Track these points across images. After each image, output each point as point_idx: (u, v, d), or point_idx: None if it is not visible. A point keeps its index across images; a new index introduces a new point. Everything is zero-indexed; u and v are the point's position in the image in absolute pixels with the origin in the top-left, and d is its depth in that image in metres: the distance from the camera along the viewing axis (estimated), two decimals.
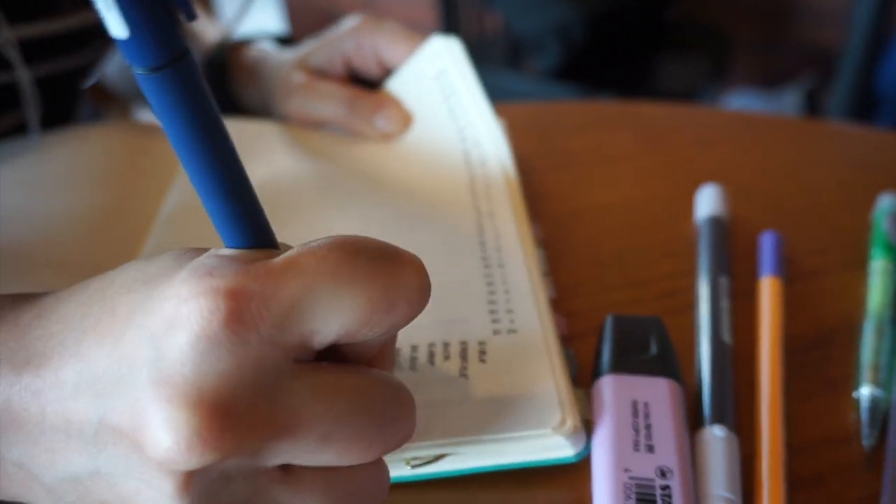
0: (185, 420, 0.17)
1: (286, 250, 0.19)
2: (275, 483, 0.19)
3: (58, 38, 0.47)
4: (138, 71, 0.16)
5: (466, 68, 0.44)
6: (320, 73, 0.48)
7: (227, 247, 0.20)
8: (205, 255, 0.19)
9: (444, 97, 0.44)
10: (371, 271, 0.19)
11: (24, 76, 0.45)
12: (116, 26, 0.15)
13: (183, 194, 0.41)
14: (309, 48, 0.49)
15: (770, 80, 1.95)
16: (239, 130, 0.47)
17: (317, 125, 0.48)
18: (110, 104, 0.70)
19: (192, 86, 0.17)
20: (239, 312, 0.17)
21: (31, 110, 0.46)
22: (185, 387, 0.17)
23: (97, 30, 0.49)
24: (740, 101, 1.88)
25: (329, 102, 0.46)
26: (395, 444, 0.20)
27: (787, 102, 1.82)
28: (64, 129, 0.49)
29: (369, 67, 0.48)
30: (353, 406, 0.19)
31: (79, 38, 0.48)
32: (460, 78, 0.43)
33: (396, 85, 0.46)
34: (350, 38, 0.47)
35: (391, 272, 0.19)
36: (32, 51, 0.45)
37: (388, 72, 0.48)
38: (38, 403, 0.20)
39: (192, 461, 0.17)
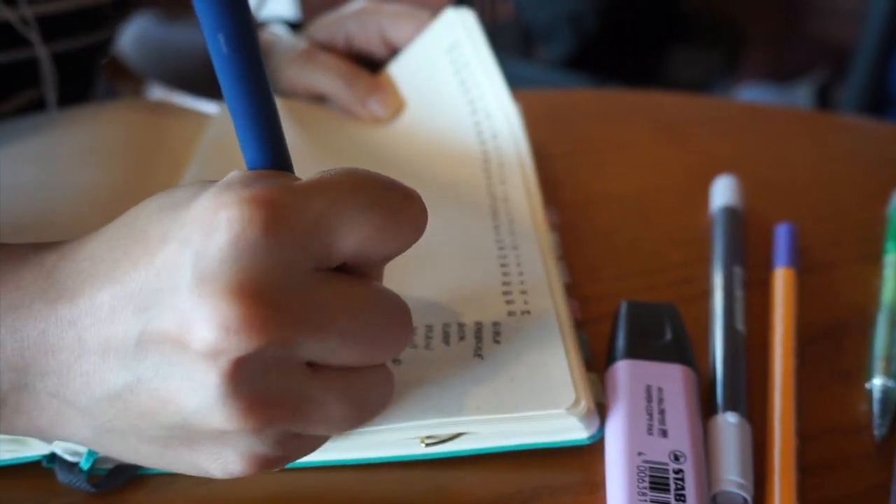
0: (228, 309, 0.19)
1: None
2: (306, 378, 0.21)
3: (75, 15, 0.47)
4: None
5: (480, 40, 0.43)
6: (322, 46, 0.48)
7: (249, 168, 0.22)
8: (231, 174, 0.21)
9: (455, 70, 0.43)
10: (384, 196, 0.21)
11: (42, 53, 0.45)
12: None
13: (203, 163, 0.41)
14: (313, 25, 0.50)
15: (782, 74, 1.94)
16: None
17: (312, 97, 0.47)
18: (125, 81, 0.70)
19: (241, 9, 0.19)
20: (275, 219, 0.19)
21: (49, 87, 0.47)
22: (226, 281, 0.19)
23: (113, 7, 0.50)
24: (751, 94, 1.88)
25: (327, 74, 0.46)
26: (400, 347, 0.23)
27: (799, 97, 1.81)
28: (81, 105, 0.49)
29: (373, 47, 0.48)
30: (369, 309, 0.22)
31: (95, 15, 0.48)
32: (473, 50, 0.43)
33: (406, 60, 0.46)
34: (353, 18, 0.47)
35: (400, 200, 0.22)
36: (50, 28, 0.45)
37: (393, 52, 0.48)
38: (76, 331, 0.21)
39: (239, 347, 0.19)
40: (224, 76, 0.20)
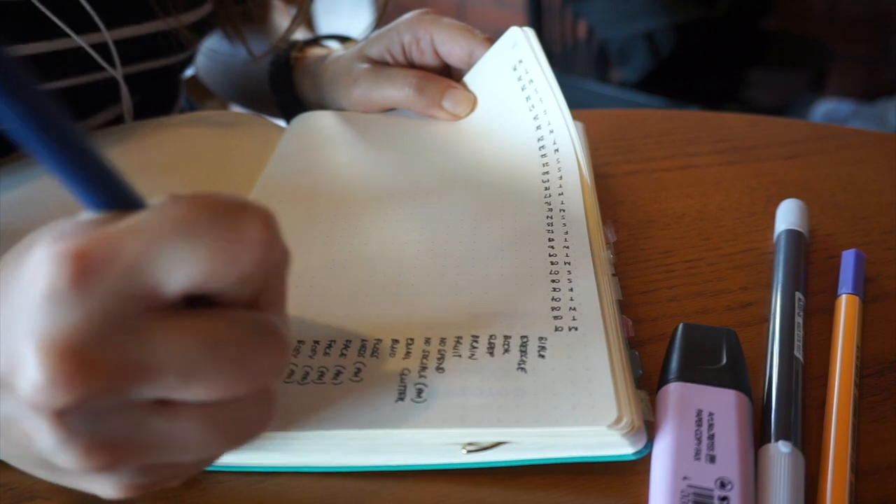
0: (40, 365, 0.19)
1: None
2: (153, 416, 0.21)
3: (152, 38, 0.49)
4: None
5: (543, 58, 0.44)
6: (380, 63, 0.49)
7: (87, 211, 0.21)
8: (65, 220, 0.21)
9: (521, 86, 0.44)
10: (212, 226, 0.20)
11: (120, 76, 0.48)
12: None
13: (273, 173, 0.43)
14: (367, 41, 0.51)
15: (870, 95, 1.87)
16: (312, 121, 0.49)
17: (381, 111, 0.49)
18: (210, 98, 0.74)
19: (15, 77, 0.18)
20: (82, 271, 0.19)
21: (127, 107, 0.49)
22: (39, 336, 0.19)
23: (189, 29, 0.52)
24: (827, 108, 1.80)
25: (394, 86, 0.47)
26: (263, 378, 0.21)
27: (891, 117, 1.73)
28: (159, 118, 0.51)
29: (426, 59, 0.48)
30: (206, 345, 0.20)
31: (172, 38, 0.51)
32: (537, 67, 0.44)
33: (474, 75, 0.47)
34: (407, 30, 0.48)
35: (232, 227, 0.20)
36: (130, 51, 0.48)
37: (445, 65, 0.49)
38: None
39: (53, 401, 0.19)
40: (26, 142, 0.19)
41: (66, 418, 0.20)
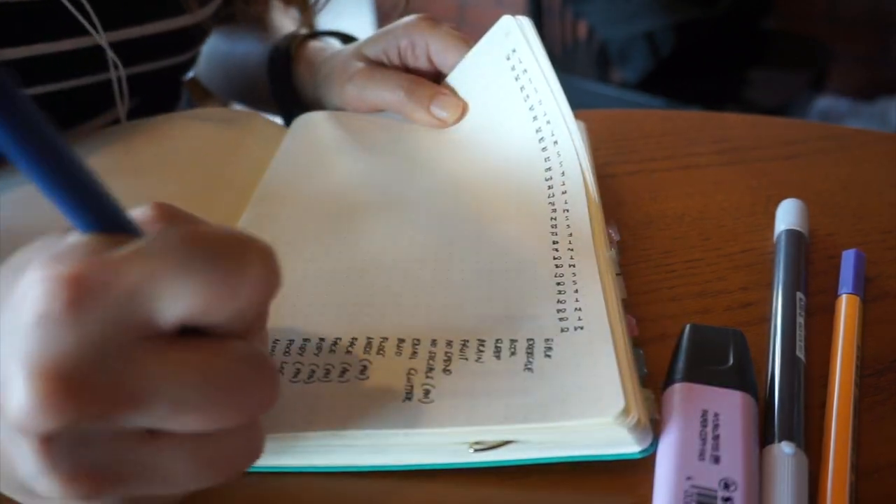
0: (28, 389, 0.18)
1: (153, 232, 0.21)
2: (140, 445, 0.20)
3: (155, 38, 0.49)
4: None
5: (537, 46, 0.43)
6: (376, 63, 0.49)
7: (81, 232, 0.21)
8: (62, 240, 0.20)
9: (514, 76, 0.43)
10: (213, 260, 0.20)
11: (120, 76, 0.48)
12: None
13: (276, 174, 0.43)
14: (365, 40, 0.51)
15: (869, 93, 1.87)
16: (315, 123, 0.49)
17: (372, 110, 0.49)
18: (208, 100, 0.74)
19: (9, 98, 0.18)
20: (78, 297, 0.19)
21: (125, 109, 0.49)
22: (30, 359, 0.18)
23: (194, 28, 0.52)
24: (826, 104, 1.80)
25: (387, 87, 0.47)
26: (253, 411, 0.21)
27: (892, 116, 1.73)
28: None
29: (420, 64, 0.49)
30: (199, 376, 0.20)
31: (176, 39, 0.51)
32: (531, 56, 0.43)
33: (466, 67, 0.47)
34: (404, 34, 0.48)
35: (234, 262, 0.20)
36: (132, 52, 0.48)
37: (439, 71, 0.49)
38: None
39: (40, 425, 0.19)
40: (20, 165, 0.19)
41: (51, 444, 0.19)
